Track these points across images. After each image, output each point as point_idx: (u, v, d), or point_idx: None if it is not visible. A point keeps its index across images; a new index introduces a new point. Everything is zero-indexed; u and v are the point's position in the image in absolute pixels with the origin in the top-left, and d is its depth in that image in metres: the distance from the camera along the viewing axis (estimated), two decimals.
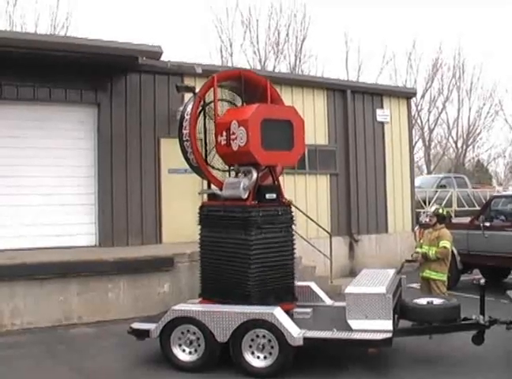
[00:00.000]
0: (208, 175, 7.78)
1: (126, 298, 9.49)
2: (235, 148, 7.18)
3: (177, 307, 6.90)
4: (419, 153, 40.09)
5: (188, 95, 9.41)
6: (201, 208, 7.82)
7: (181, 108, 8.67)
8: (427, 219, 8.78)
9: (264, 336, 6.40)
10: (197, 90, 8.07)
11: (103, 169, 11.25)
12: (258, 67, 33.46)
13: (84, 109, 11.32)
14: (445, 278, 8.46)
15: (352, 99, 14.46)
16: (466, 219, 12.38)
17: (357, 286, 6.71)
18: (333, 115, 14.20)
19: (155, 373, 6.73)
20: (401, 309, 6.91)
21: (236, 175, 7.64)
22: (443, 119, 40.41)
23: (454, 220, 13.04)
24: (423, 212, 9.72)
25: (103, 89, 11.28)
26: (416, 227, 14.47)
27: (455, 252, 11.13)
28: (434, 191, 19.91)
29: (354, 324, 6.38)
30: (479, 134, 40.83)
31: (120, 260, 9.49)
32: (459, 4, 54.33)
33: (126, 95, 11.53)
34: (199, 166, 7.72)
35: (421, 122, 39.49)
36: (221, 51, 35.93)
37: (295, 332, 6.30)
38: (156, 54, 10.59)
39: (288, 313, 6.86)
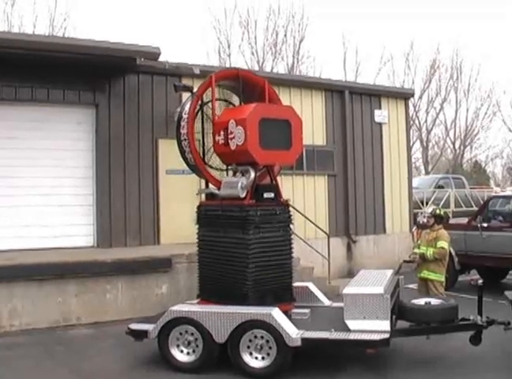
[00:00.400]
0: (206, 175, 7.76)
1: (124, 299, 9.48)
2: (232, 147, 7.17)
3: (175, 308, 6.90)
4: (417, 154, 40.25)
5: (186, 96, 9.40)
6: (199, 207, 7.80)
7: (179, 108, 8.66)
8: (425, 220, 8.75)
9: (262, 337, 6.40)
10: (195, 89, 8.07)
11: (101, 170, 11.25)
12: (256, 68, 33.51)
13: (83, 110, 11.33)
14: (443, 278, 8.46)
15: (350, 100, 14.44)
16: (464, 220, 12.38)
17: (355, 286, 6.71)
18: (331, 116, 14.20)
19: (153, 374, 6.72)
20: (399, 310, 6.91)
21: (234, 174, 7.62)
22: (441, 120, 40.63)
23: (452, 221, 13.05)
24: (421, 213, 9.70)
25: (101, 90, 11.28)
26: (414, 228, 14.48)
27: (453, 252, 11.14)
28: (431, 192, 19.88)
29: (352, 324, 6.38)
30: (476, 135, 41.00)
31: (118, 261, 9.48)
32: (457, 5, 54.50)
33: (124, 96, 11.53)
34: (197, 166, 7.69)
35: (419, 123, 39.62)
36: (219, 52, 36.07)
37: (293, 333, 6.30)
38: (154, 54, 10.60)
39: (286, 313, 6.85)
